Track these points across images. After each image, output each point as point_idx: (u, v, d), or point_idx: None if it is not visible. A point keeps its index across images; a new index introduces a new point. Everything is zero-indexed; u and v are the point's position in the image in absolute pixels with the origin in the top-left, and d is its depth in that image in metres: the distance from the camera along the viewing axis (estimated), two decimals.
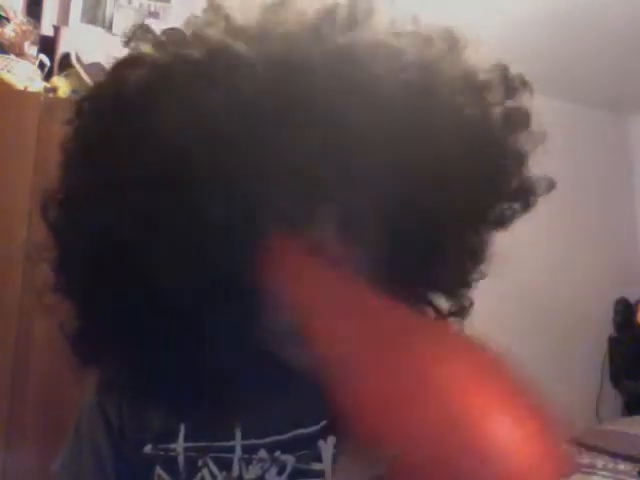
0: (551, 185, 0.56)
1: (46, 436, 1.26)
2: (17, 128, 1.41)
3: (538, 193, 0.55)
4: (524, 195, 0.55)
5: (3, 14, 1.57)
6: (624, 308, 2.91)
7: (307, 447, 0.52)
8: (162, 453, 0.54)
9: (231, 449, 0.53)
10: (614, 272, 2.95)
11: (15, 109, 1.42)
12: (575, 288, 2.83)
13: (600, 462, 2.11)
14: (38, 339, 1.35)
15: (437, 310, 0.57)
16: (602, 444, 2.22)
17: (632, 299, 2.92)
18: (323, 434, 0.52)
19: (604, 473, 2.02)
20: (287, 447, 0.52)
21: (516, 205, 0.55)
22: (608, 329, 2.93)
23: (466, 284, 0.56)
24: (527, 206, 0.55)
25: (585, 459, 2.17)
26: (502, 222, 0.55)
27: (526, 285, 2.73)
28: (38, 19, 1.75)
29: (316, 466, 0.52)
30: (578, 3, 2.18)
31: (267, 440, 0.53)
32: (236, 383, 0.52)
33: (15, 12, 1.64)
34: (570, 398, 2.75)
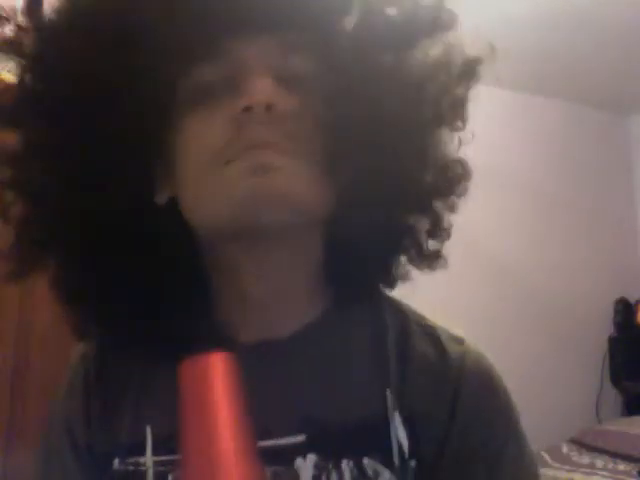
0: (493, 52, 0.55)
1: None
2: None
3: (480, 63, 0.55)
4: (469, 70, 0.54)
5: (3, 14, 1.57)
6: (624, 308, 2.91)
7: (282, 463, 0.48)
8: (131, 468, 0.51)
9: None
10: (614, 272, 2.95)
11: None
12: (575, 288, 2.83)
13: (600, 462, 2.11)
14: (38, 339, 1.34)
15: (417, 235, 0.56)
16: (602, 444, 2.22)
17: (632, 299, 2.92)
18: (301, 450, 0.48)
19: (604, 473, 2.02)
20: (261, 457, 0.47)
21: (463, 86, 0.55)
22: (608, 329, 2.93)
23: (437, 194, 0.55)
24: (474, 76, 0.55)
25: (585, 459, 2.17)
26: (457, 114, 0.54)
27: (526, 285, 2.73)
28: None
29: None
30: (578, 3, 2.18)
31: None
32: None
33: (15, 12, 1.64)
34: (570, 398, 2.76)
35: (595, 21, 2.28)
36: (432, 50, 0.52)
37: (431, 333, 0.55)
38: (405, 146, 0.50)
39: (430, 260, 0.57)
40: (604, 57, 2.55)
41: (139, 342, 0.53)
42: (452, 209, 0.57)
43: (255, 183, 0.45)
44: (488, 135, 2.53)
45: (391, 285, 0.60)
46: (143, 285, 0.52)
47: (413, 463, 0.49)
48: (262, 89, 0.46)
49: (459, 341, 0.55)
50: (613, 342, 2.90)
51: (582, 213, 2.97)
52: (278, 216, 0.46)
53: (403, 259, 0.58)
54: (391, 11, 0.50)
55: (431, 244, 0.57)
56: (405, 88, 0.49)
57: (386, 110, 0.48)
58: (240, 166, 0.46)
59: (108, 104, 0.47)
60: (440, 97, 0.52)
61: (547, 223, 2.85)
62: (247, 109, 0.45)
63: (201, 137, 0.48)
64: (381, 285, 0.60)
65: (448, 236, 0.57)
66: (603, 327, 2.92)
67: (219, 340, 0.51)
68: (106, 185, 0.49)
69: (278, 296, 0.53)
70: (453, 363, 0.53)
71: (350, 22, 0.49)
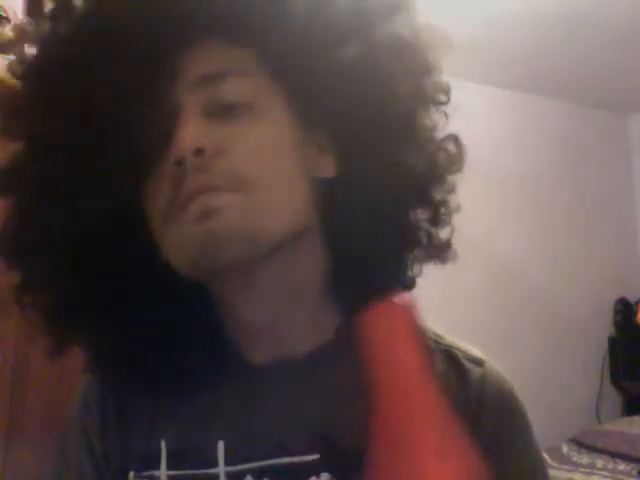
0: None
1: (46, 437, 1.26)
2: None
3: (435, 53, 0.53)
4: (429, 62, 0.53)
5: (3, 14, 1.57)
6: (624, 308, 2.91)
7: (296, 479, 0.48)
8: None
9: (215, 476, 0.50)
10: (614, 272, 2.95)
11: None
12: (575, 288, 2.83)
13: (600, 462, 2.11)
14: (38, 340, 1.34)
15: (422, 225, 0.54)
16: (602, 444, 2.22)
17: (632, 299, 2.92)
18: (315, 469, 0.48)
19: (604, 473, 2.02)
20: (275, 474, 0.49)
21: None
22: (608, 329, 2.93)
23: (434, 179, 0.53)
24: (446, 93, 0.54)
25: (585, 459, 2.17)
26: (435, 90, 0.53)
27: (526, 285, 2.73)
28: (38, 19, 1.74)
29: None
30: (578, 2, 2.18)
31: (253, 465, 0.49)
32: (212, 390, 0.52)
33: (15, 12, 1.64)
34: (570, 398, 2.76)
35: (595, 21, 2.28)
36: (394, 32, 0.51)
37: (450, 352, 0.55)
38: (385, 132, 0.49)
39: (440, 251, 0.55)
40: (604, 57, 2.55)
41: (154, 370, 0.53)
42: (452, 190, 0.54)
43: (202, 229, 0.45)
44: (488, 135, 2.54)
45: (409, 286, 0.58)
46: (159, 323, 0.52)
47: None
48: (188, 137, 0.45)
49: (479, 362, 0.55)
50: (613, 342, 2.90)
51: (582, 213, 2.97)
52: (233, 254, 0.45)
53: (415, 256, 0.56)
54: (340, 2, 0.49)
55: (439, 234, 0.55)
56: (373, 77, 0.48)
57: (358, 102, 0.47)
58: (187, 216, 0.46)
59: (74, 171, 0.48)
60: (413, 78, 0.51)
61: (547, 223, 2.85)
62: (178, 162, 0.45)
63: (153, 197, 0.49)
64: (399, 288, 0.57)
65: (449, 220, 0.55)
66: (603, 327, 2.92)
67: (234, 363, 0.52)
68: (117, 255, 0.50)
69: (278, 317, 0.52)
70: (473, 385, 0.53)
71: (298, 21, 0.48)
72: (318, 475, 0.48)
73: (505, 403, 0.54)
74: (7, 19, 1.57)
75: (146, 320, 0.52)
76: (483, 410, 0.52)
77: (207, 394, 0.52)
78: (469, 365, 0.54)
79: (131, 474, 0.52)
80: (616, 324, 2.92)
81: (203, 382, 0.51)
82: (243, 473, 0.49)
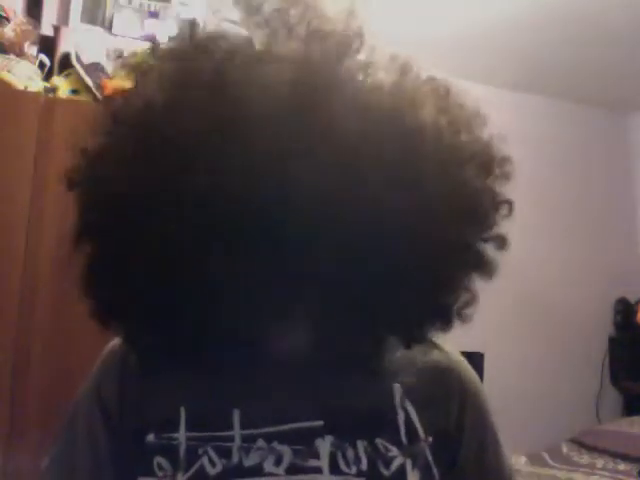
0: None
1: (46, 436, 1.26)
2: (17, 128, 1.41)
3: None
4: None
5: (3, 14, 1.57)
6: (624, 308, 2.91)
7: (304, 442, 0.55)
8: (165, 442, 0.56)
9: (230, 438, 0.55)
10: (614, 272, 2.95)
11: (15, 109, 1.42)
12: (575, 288, 2.83)
13: (600, 462, 2.11)
14: (38, 339, 1.35)
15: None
16: (602, 444, 2.22)
17: (632, 299, 2.92)
18: (320, 432, 0.55)
19: (604, 473, 2.02)
20: (284, 438, 0.55)
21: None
22: (608, 329, 2.93)
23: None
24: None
25: (585, 459, 2.17)
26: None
27: (526, 286, 2.73)
28: (38, 19, 1.75)
29: (313, 462, 0.54)
30: (578, 3, 2.18)
31: (264, 430, 0.55)
32: (235, 366, 0.57)
33: (15, 12, 1.64)
34: (570, 398, 2.76)
35: (596, 21, 2.28)
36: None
37: (437, 368, 0.63)
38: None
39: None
40: (604, 57, 2.55)
41: (179, 344, 0.57)
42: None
43: None
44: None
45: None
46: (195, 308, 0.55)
47: (430, 439, 0.58)
48: None
49: (456, 366, 0.64)
50: (613, 342, 2.90)
51: (582, 213, 2.97)
52: None
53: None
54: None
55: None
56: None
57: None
58: None
59: None
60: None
61: (547, 223, 2.84)
62: None
63: None
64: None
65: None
66: (603, 327, 2.92)
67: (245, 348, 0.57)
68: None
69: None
70: (456, 395, 0.62)
71: None
72: (323, 437, 0.55)
73: (479, 400, 0.63)
74: (7, 19, 1.57)
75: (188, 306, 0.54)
76: (465, 413, 0.61)
77: (223, 371, 0.57)
78: (450, 375, 0.63)
79: (150, 436, 0.56)
80: (616, 324, 2.93)
81: (220, 361, 0.56)
82: (256, 437, 0.55)
